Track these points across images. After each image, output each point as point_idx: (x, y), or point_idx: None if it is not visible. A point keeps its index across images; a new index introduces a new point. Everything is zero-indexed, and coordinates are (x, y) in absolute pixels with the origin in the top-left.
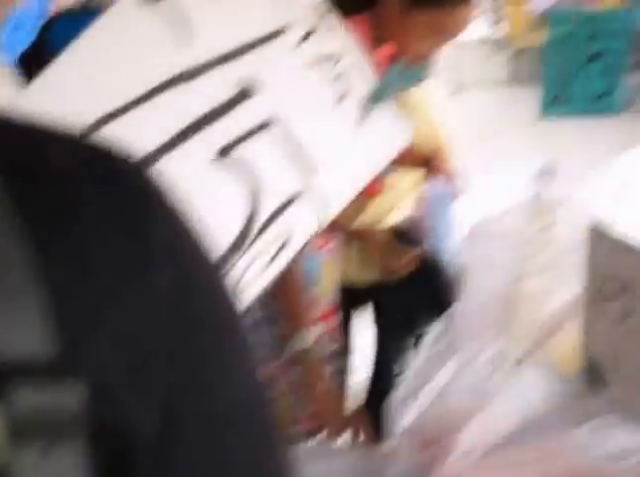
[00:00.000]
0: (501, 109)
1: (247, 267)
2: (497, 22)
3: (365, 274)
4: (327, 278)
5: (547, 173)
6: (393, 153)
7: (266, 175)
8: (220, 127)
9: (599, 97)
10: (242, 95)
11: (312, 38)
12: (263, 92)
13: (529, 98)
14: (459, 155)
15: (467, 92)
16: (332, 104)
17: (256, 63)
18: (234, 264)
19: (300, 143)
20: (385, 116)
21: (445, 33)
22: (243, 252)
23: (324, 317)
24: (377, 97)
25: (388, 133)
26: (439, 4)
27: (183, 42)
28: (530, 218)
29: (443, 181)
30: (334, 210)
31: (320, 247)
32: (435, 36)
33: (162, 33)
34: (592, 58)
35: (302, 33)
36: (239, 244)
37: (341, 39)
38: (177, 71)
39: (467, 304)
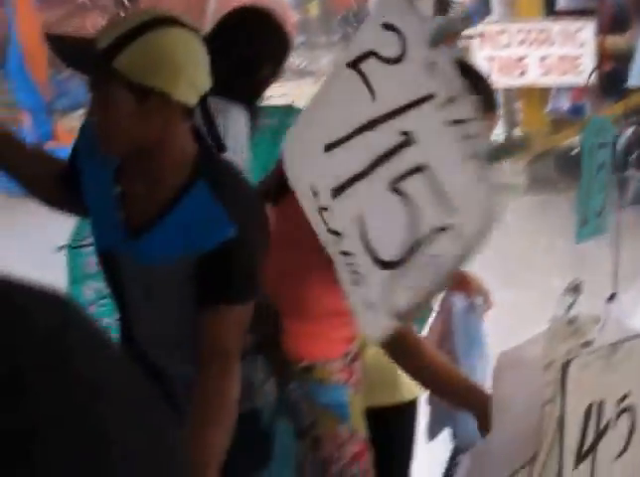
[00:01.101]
0: (518, 219)
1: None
2: (513, 126)
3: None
4: (356, 413)
5: (574, 290)
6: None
7: (418, 208)
8: (388, 166)
9: (598, 215)
10: (404, 144)
11: (452, 103)
12: (417, 143)
13: (547, 208)
14: (481, 269)
15: None
16: (463, 160)
17: (414, 119)
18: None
19: (442, 188)
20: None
21: None
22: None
23: (358, 456)
24: (492, 158)
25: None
26: None
27: (369, 98)
28: (560, 340)
29: (469, 296)
30: (474, 251)
31: (346, 381)
32: None
33: (360, 91)
34: (598, 170)
35: (445, 98)
36: (403, 260)
37: (470, 107)
38: (366, 120)
39: (499, 437)
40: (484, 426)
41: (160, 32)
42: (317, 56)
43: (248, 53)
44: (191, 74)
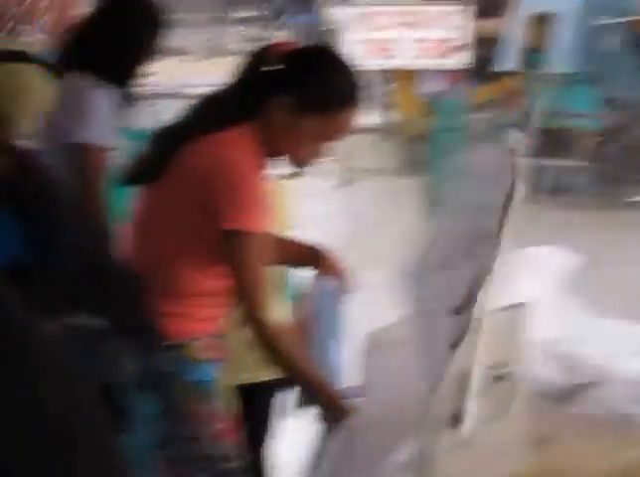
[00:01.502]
0: (392, 200)
1: None
2: (387, 109)
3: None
4: (222, 391)
5: None
6: None
7: None
8: None
9: None
10: None
11: None
12: None
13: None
14: (349, 250)
15: (357, 183)
16: None
17: None
18: None
19: None
20: None
21: (333, 136)
22: None
23: (223, 434)
24: None
25: None
26: (325, 110)
27: None
28: None
29: (332, 279)
30: None
31: (212, 359)
32: (323, 139)
33: None
34: (450, 152)
35: None
36: None
37: None
38: None
39: (372, 411)
40: (328, 419)
41: (19, 67)
42: (185, 34)
43: (122, 35)
44: (29, 115)
